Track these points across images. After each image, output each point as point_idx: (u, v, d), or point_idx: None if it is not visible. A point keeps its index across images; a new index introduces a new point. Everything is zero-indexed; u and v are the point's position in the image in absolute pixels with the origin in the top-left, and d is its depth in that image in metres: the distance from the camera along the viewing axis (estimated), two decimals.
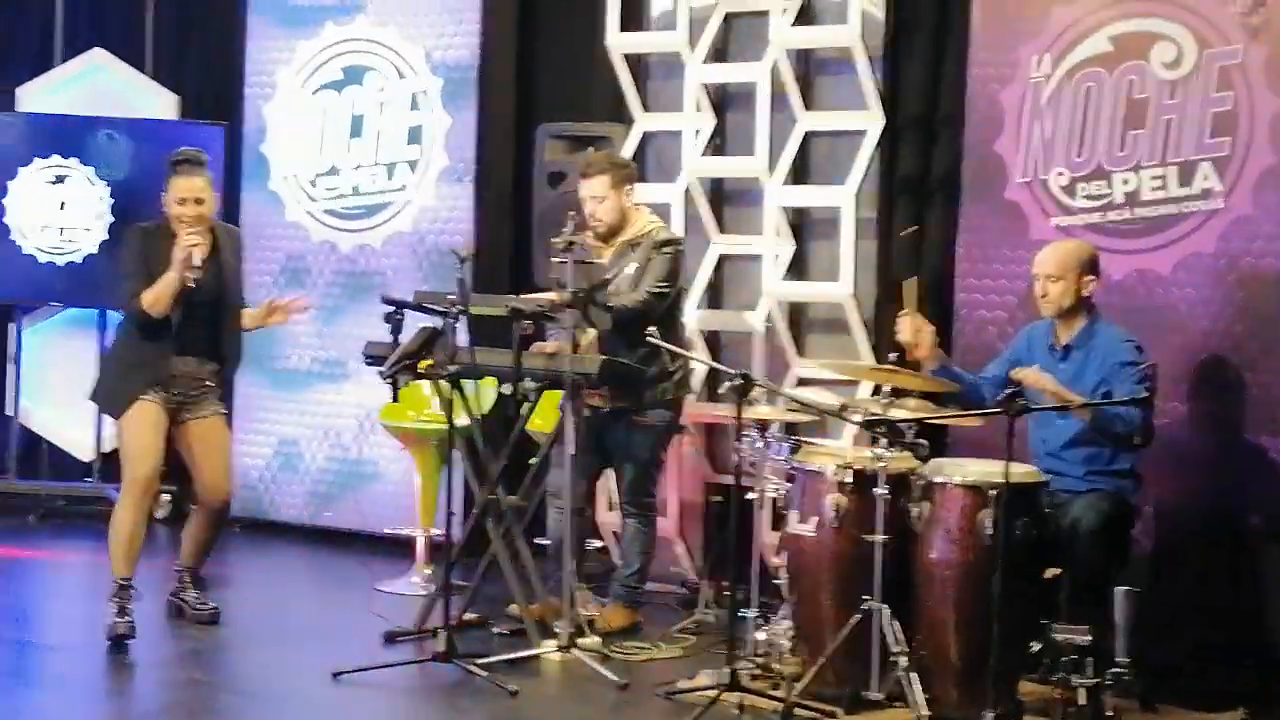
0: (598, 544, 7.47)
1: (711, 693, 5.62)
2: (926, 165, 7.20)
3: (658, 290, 6.52)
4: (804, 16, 7.40)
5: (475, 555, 6.75)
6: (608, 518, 7.48)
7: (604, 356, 6.40)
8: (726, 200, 7.74)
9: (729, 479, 6.35)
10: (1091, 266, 5.97)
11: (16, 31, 9.54)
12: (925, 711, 5.44)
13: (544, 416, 6.76)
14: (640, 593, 6.85)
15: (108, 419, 7.62)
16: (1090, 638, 5.36)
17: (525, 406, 6.50)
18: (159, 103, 9.25)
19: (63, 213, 8.89)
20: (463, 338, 6.20)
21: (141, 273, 6.36)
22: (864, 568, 5.60)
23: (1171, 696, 5.76)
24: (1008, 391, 5.45)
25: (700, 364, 7.10)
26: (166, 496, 8.47)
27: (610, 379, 6.38)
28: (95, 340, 8.83)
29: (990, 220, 6.74)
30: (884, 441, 5.69)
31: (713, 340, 7.69)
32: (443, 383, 6.25)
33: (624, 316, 6.44)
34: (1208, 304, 6.28)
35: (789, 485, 5.99)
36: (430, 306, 6.22)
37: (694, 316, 7.49)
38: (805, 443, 6.24)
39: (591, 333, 6.55)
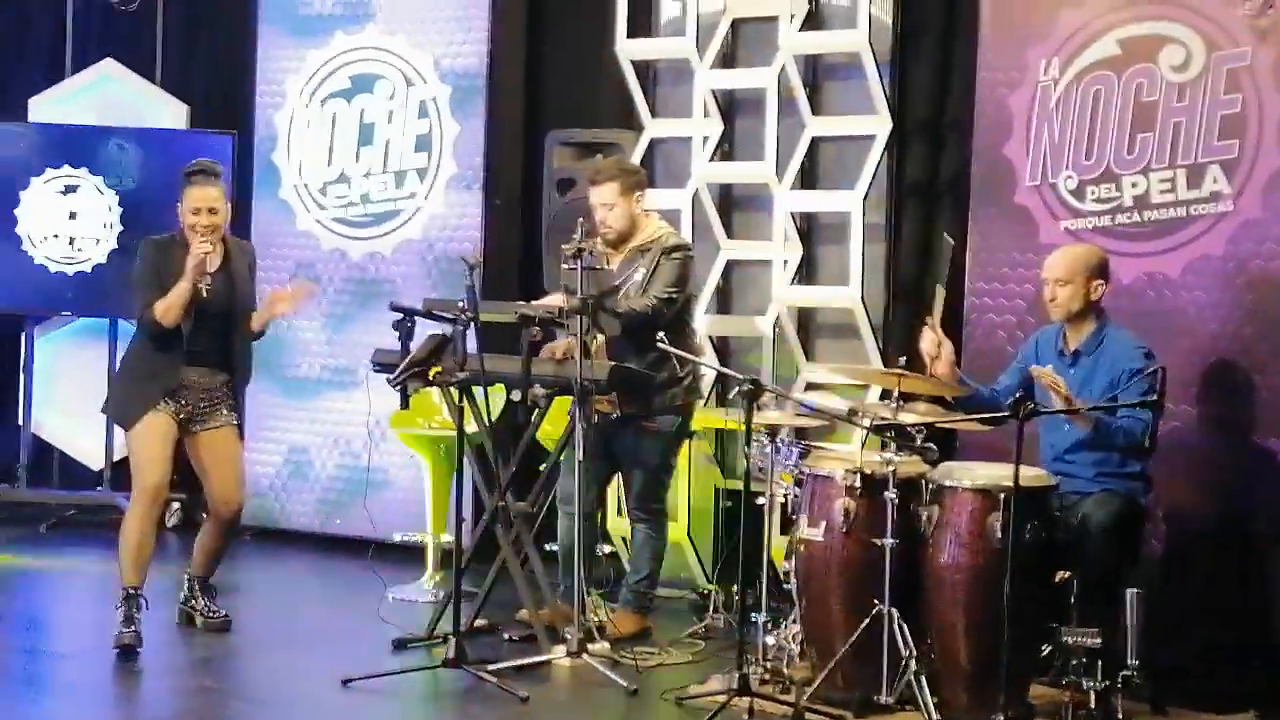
0: (608, 549, 7.47)
1: (721, 698, 5.63)
2: (935, 169, 7.22)
3: (666, 295, 6.51)
4: (812, 22, 7.40)
5: (485, 561, 6.76)
6: (618, 523, 7.48)
7: (613, 362, 6.40)
8: (735, 206, 7.74)
9: (738, 484, 6.35)
10: (1101, 271, 5.96)
11: (27, 42, 9.56)
12: (935, 715, 5.44)
13: (553, 423, 6.77)
14: (650, 598, 6.85)
15: (118, 428, 7.63)
16: (1100, 640, 5.36)
17: (535, 413, 6.51)
18: (169, 112, 9.27)
19: (73, 223, 8.91)
20: (472, 345, 6.21)
21: (155, 284, 6.36)
22: (873, 572, 5.60)
23: (1181, 699, 5.76)
24: (1016, 395, 5.46)
25: (709, 369, 7.10)
26: (176, 505, 8.50)
27: (619, 385, 6.38)
28: (106, 350, 8.86)
29: (999, 224, 6.74)
30: (893, 446, 5.70)
31: (722, 345, 7.69)
32: (452, 390, 6.26)
33: (632, 322, 6.43)
34: (1217, 307, 6.27)
35: (798, 490, 5.99)
36: (439, 314, 6.23)
37: (703, 322, 7.49)
38: (814, 447, 6.24)
39: (600, 338, 6.55)
